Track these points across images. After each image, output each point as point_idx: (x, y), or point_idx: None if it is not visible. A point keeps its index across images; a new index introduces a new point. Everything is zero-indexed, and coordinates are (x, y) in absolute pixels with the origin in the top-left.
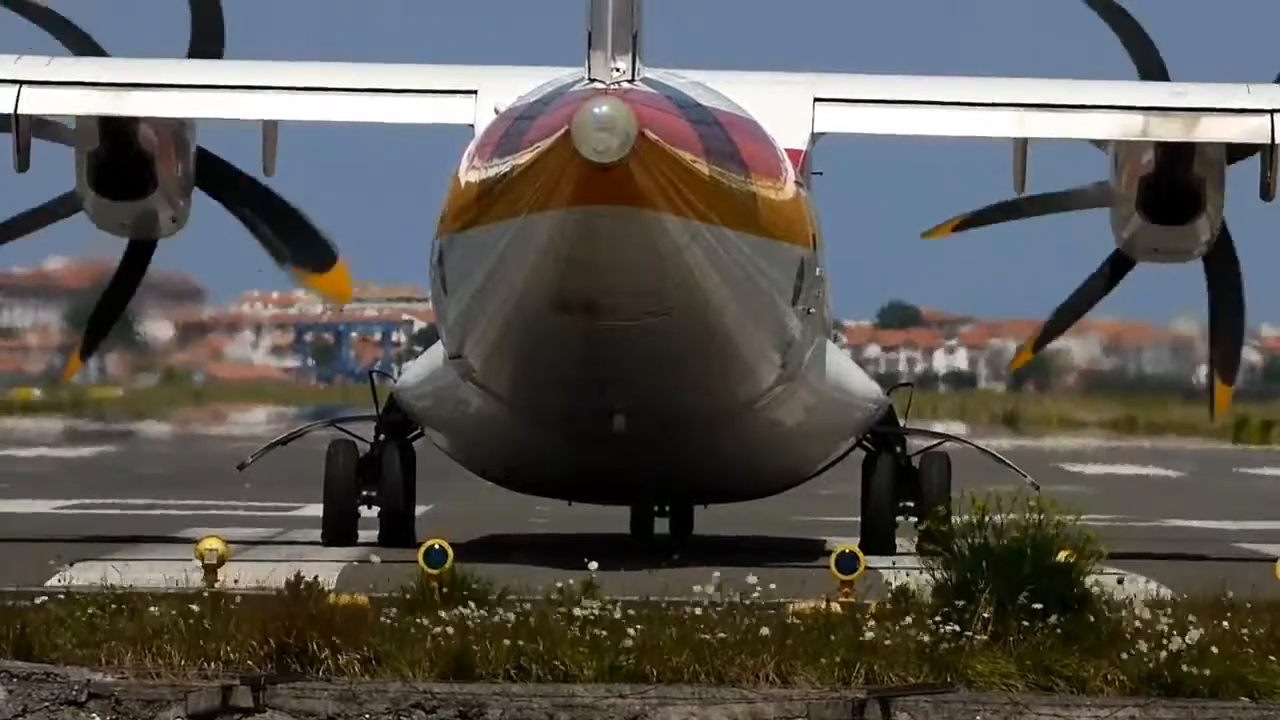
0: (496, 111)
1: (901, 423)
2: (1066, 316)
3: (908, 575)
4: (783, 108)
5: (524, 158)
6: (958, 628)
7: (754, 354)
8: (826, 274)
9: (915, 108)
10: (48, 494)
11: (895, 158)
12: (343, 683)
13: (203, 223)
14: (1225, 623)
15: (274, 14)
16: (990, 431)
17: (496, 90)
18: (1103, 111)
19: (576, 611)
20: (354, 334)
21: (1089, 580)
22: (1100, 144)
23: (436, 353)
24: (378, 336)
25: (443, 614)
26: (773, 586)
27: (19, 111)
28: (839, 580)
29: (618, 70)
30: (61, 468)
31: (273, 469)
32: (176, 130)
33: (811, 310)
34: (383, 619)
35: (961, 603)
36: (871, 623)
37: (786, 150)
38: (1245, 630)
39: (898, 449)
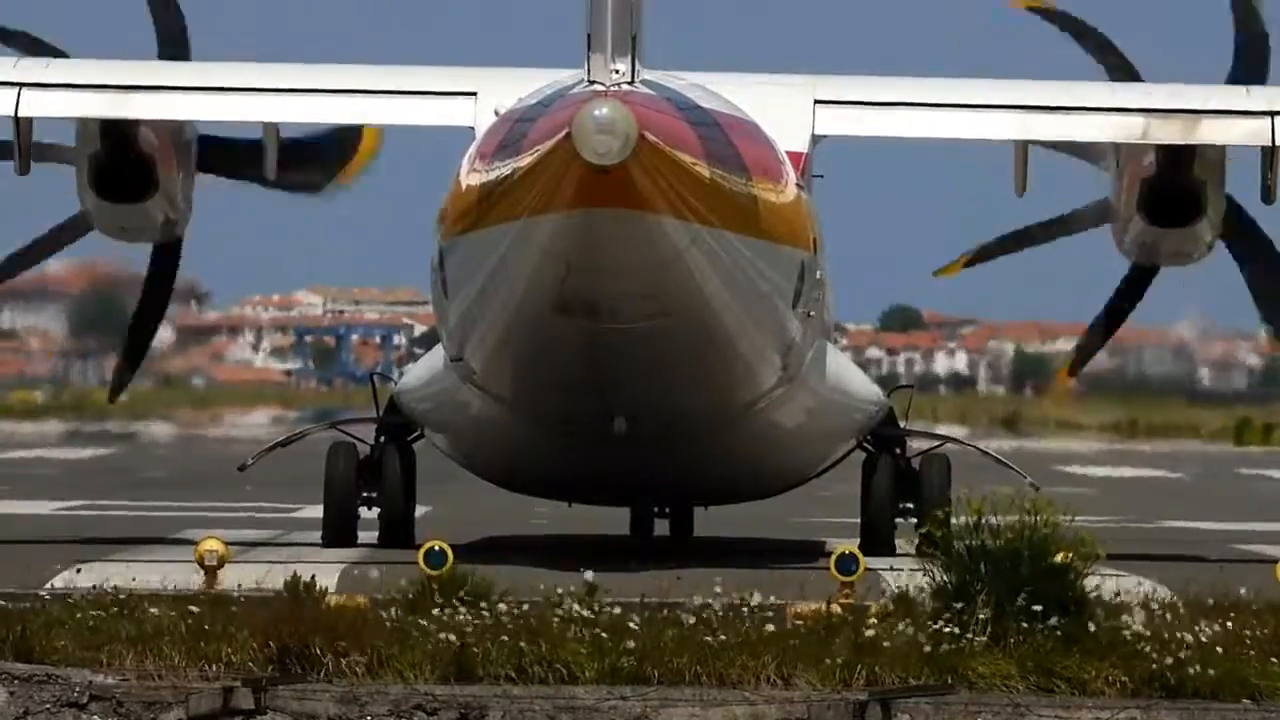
0: (496, 113)
1: (902, 424)
2: (1100, 334)
3: (907, 577)
4: (783, 110)
5: (525, 160)
6: (957, 630)
7: (754, 356)
8: (827, 277)
9: (916, 110)
10: (49, 495)
11: (896, 159)
12: (344, 684)
13: (203, 227)
14: (1228, 624)
15: (274, 15)
16: (990, 434)
17: (496, 92)
18: (1103, 114)
19: (576, 609)
20: (354, 337)
21: (1089, 583)
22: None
23: (437, 355)
24: (378, 339)
25: (443, 615)
26: (772, 598)
27: (19, 114)
28: (839, 581)
29: (617, 72)
30: (63, 469)
31: (273, 471)
32: (176, 131)
33: (812, 313)
34: (383, 620)
35: (960, 605)
36: (872, 622)
37: (787, 153)
38: (1248, 632)
39: (898, 450)
